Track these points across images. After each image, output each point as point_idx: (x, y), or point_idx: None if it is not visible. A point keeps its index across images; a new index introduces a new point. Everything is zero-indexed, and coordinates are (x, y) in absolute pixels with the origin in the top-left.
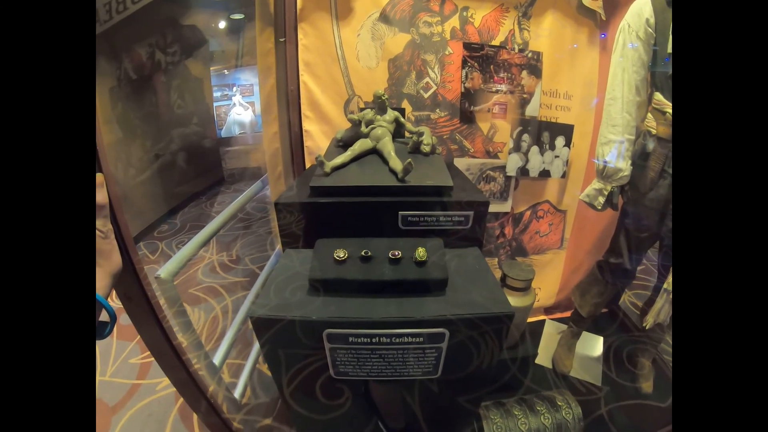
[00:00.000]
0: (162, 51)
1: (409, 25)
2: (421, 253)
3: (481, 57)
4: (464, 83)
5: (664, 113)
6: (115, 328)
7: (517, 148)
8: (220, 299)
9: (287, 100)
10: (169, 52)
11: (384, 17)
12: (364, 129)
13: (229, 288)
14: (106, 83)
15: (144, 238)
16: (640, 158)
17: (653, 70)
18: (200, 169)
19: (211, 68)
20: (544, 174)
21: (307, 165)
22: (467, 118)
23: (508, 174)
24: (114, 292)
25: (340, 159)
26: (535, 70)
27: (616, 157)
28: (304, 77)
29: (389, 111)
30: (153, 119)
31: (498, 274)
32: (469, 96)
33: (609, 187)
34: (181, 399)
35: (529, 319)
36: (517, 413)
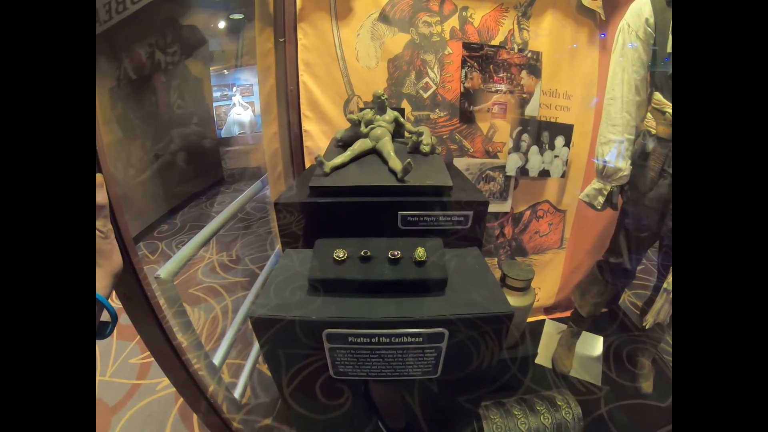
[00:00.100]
0: (162, 51)
1: (408, 25)
2: (420, 253)
3: (480, 57)
4: (464, 83)
5: (663, 113)
6: (115, 328)
7: (516, 147)
8: (220, 299)
9: (287, 100)
10: (169, 52)
11: (383, 17)
12: (363, 129)
13: (229, 288)
14: (106, 83)
15: (144, 238)
16: (639, 158)
17: (653, 69)
18: (200, 169)
19: (211, 68)
20: (544, 174)
21: (307, 165)
22: (467, 118)
23: (507, 174)
24: (114, 293)
25: (339, 159)
26: (535, 69)
27: (616, 156)
28: (304, 77)
29: (389, 111)
30: (153, 119)
31: (498, 274)
32: (468, 96)
33: (609, 187)
34: (181, 399)
35: (529, 319)
36: (516, 413)
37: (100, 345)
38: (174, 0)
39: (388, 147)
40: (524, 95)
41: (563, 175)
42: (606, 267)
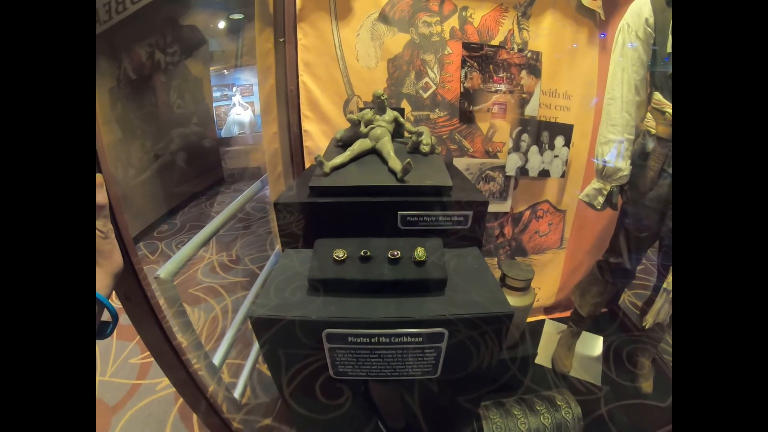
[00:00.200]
0: (162, 51)
1: (408, 25)
2: (420, 253)
3: (480, 57)
4: (463, 83)
5: (663, 113)
6: (115, 328)
7: (516, 147)
8: (220, 299)
9: (287, 100)
10: (169, 52)
11: (383, 17)
12: (363, 129)
13: (228, 288)
14: (105, 83)
15: (144, 238)
16: (639, 158)
17: (653, 69)
18: (200, 169)
19: (211, 68)
20: (544, 174)
21: (307, 165)
22: (466, 117)
23: (507, 174)
24: (114, 293)
25: (339, 159)
26: (535, 69)
27: (616, 156)
28: (304, 77)
29: (388, 111)
30: (153, 119)
31: (497, 274)
32: (468, 96)
33: (608, 187)
34: (181, 399)
35: (529, 319)
36: (516, 413)
37: (100, 345)
38: (174, 0)
39: (387, 147)
40: (524, 95)
41: (563, 175)
42: (606, 267)
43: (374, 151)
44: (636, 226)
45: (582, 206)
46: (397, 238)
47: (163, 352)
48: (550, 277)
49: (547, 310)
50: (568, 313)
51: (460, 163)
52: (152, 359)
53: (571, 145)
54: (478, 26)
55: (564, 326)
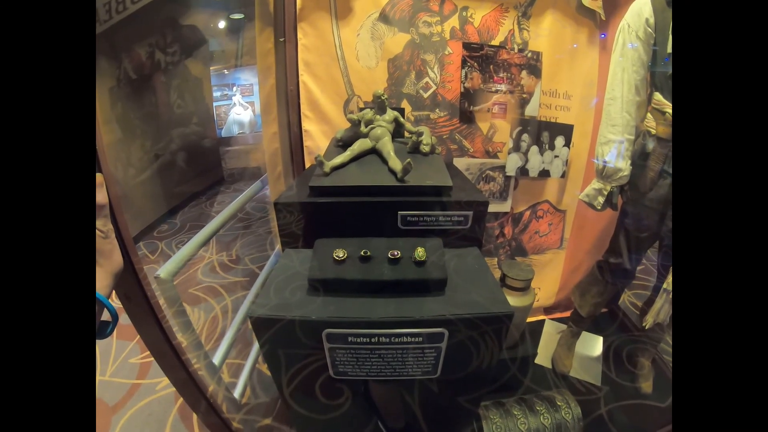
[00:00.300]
0: (162, 51)
1: (408, 25)
2: (420, 253)
3: (480, 57)
4: (464, 83)
5: (663, 113)
6: (115, 328)
7: (516, 148)
8: (220, 299)
9: (287, 100)
10: (169, 52)
11: (383, 17)
12: (363, 129)
13: (228, 288)
14: (105, 83)
15: (144, 238)
16: (639, 158)
17: (653, 70)
18: (200, 168)
19: (211, 68)
20: (544, 174)
21: (307, 165)
22: (467, 118)
23: (507, 174)
24: (114, 292)
25: (339, 159)
26: (535, 70)
27: (616, 156)
28: (304, 77)
29: (389, 111)
30: (153, 119)
31: (497, 274)
32: (468, 96)
33: (608, 187)
34: (181, 399)
35: (529, 319)
36: (516, 413)
37: (100, 345)
38: (174, 0)
39: (388, 147)
40: (524, 95)
41: (563, 176)
42: (606, 267)
43: (374, 151)
44: (636, 226)
45: (582, 206)
46: (397, 238)
47: (163, 352)
48: (550, 277)
49: (547, 310)
50: (568, 314)
51: (460, 163)
52: (152, 359)
53: (571, 145)
54: (478, 26)
55: (564, 326)
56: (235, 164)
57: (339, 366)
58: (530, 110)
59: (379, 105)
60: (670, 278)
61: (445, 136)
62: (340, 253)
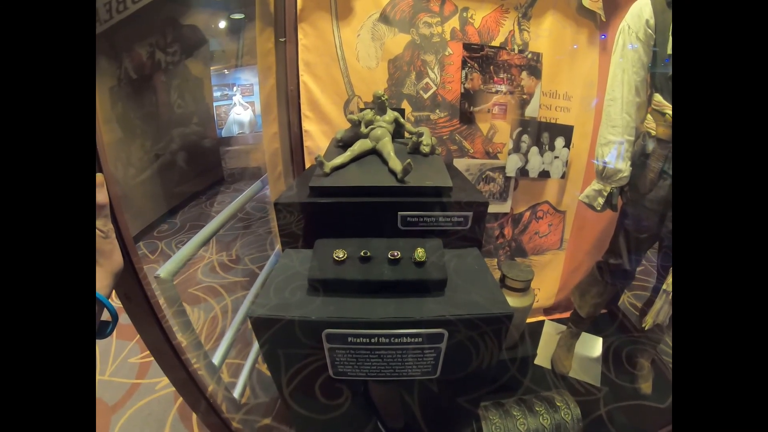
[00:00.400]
0: (162, 51)
1: (409, 26)
2: (420, 253)
3: (480, 58)
4: (464, 84)
5: (663, 114)
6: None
7: (516, 148)
8: (220, 299)
9: (287, 100)
10: (169, 52)
11: (384, 17)
12: (363, 129)
13: (228, 288)
14: (106, 83)
15: (144, 238)
16: (639, 159)
17: (653, 71)
18: (200, 168)
19: (211, 68)
20: (544, 175)
21: (307, 165)
22: (467, 118)
23: (507, 175)
24: (114, 292)
25: (339, 159)
26: (535, 70)
27: (616, 157)
28: (304, 77)
29: (389, 111)
30: (153, 119)
31: (497, 275)
32: (468, 97)
33: (608, 188)
34: (181, 398)
35: (529, 320)
36: (516, 414)
37: (99, 344)
38: (174, 0)
39: (388, 147)
40: (524, 96)
41: (563, 176)
42: (605, 268)
43: (374, 152)
44: (636, 227)
45: (582, 207)
46: (397, 238)
47: (163, 352)
48: (549, 278)
49: (547, 311)
50: (567, 314)
51: (460, 163)
52: (152, 359)
53: (571, 146)
54: (478, 27)
55: (563, 327)
56: (235, 164)
57: (339, 366)
58: (530, 111)
59: (379, 105)
60: (669, 279)
61: (445, 137)
62: (340, 254)
